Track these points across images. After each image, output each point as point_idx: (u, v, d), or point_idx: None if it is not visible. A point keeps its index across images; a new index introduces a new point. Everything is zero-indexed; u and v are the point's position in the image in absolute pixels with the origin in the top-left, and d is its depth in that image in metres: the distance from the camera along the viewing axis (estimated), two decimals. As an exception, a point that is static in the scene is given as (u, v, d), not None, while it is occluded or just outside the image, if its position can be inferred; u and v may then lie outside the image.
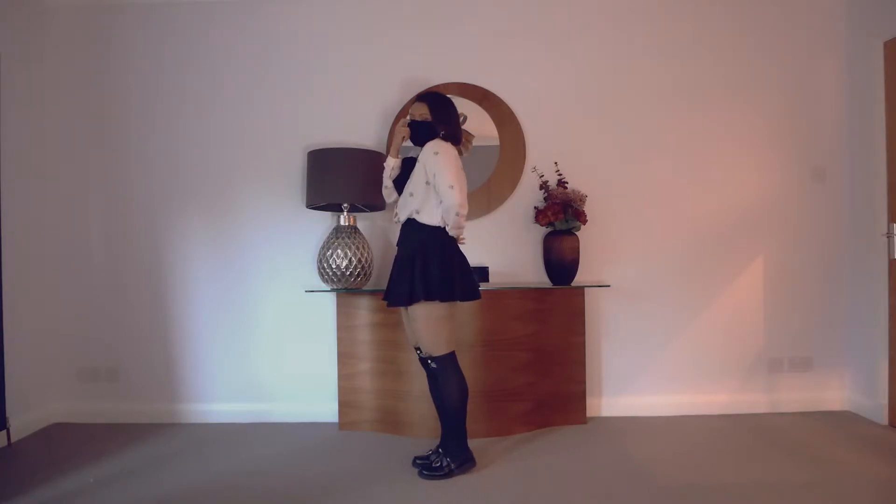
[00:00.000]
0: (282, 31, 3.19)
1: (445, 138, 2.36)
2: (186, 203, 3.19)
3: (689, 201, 3.19)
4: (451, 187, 2.22)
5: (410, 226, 2.35)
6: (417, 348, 2.42)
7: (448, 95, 3.09)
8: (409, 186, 2.37)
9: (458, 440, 2.36)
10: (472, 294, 2.34)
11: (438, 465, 2.34)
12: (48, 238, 3.15)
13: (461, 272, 2.32)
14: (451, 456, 2.34)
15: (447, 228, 2.32)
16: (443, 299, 2.26)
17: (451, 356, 2.34)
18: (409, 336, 2.49)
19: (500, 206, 3.15)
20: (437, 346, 2.32)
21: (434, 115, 2.37)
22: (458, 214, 2.26)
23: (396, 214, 2.45)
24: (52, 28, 3.17)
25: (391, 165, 2.48)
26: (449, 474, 2.32)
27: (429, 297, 2.25)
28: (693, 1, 3.19)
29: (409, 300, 2.27)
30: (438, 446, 2.42)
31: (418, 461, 2.45)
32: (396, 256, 2.42)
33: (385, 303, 2.41)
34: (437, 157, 2.26)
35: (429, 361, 2.36)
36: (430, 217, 2.31)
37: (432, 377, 2.40)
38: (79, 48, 3.19)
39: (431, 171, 2.27)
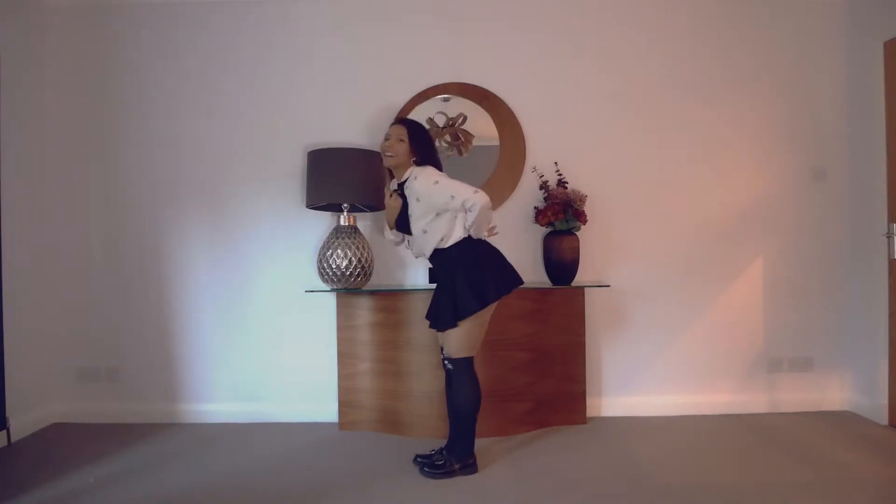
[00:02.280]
0: (282, 31, 3.19)
1: (421, 163, 2.38)
2: (186, 203, 3.19)
3: (690, 201, 3.19)
4: (476, 192, 2.25)
5: (440, 253, 2.37)
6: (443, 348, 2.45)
7: (448, 95, 3.13)
8: (418, 224, 2.37)
9: (465, 444, 2.36)
10: (514, 282, 2.38)
11: (441, 463, 2.35)
12: (48, 238, 3.15)
13: (495, 269, 2.35)
14: (455, 457, 2.34)
15: (473, 231, 2.32)
16: (484, 304, 2.28)
17: (469, 361, 2.35)
18: (439, 337, 2.50)
19: (501, 206, 3.14)
20: (459, 349, 2.33)
21: (412, 140, 2.38)
22: (490, 209, 2.29)
23: (416, 251, 2.48)
24: (52, 28, 3.16)
25: (391, 238, 2.55)
26: (451, 473, 2.32)
27: (484, 304, 2.27)
28: (692, 1, 3.19)
29: (456, 318, 2.27)
30: (443, 448, 2.42)
31: (420, 459, 2.45)
32: (437, 284, 2.44)
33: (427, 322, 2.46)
34: (438, 186, 2.28)
35: (445, 362, 2.37)
36: (454, 238, 2.34)
37: (449, 379, 2.41)
38: (79, 48, 3.19)
39: (443, 199, 2.27)
